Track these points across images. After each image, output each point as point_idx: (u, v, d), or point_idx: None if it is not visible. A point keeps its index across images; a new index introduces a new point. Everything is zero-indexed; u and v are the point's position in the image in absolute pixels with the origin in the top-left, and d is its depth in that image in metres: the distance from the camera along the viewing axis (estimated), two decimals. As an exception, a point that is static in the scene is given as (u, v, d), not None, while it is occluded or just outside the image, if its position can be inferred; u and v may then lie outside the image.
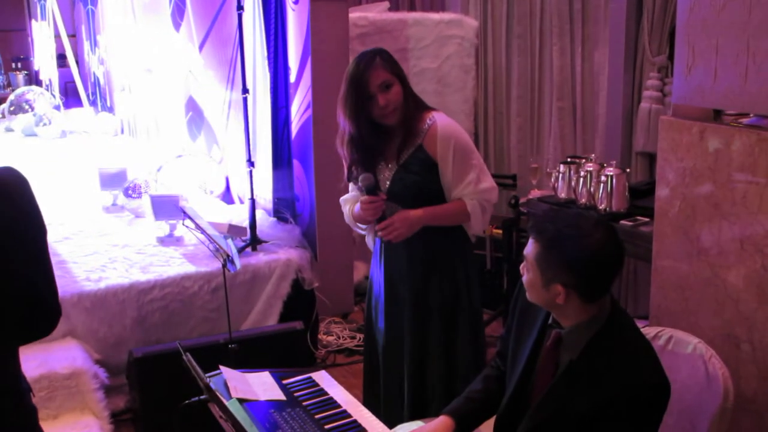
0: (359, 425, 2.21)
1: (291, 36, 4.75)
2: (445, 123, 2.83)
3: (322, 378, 2.48)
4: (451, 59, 5.63)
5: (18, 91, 8.49)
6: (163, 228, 4.64)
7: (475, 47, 5.73)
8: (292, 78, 4.79)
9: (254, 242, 4.46)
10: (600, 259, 1.87)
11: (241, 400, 2.22)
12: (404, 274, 2.97)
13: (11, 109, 8.26)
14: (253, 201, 4.49)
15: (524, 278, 1.99)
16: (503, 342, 2.26)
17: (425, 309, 2.97)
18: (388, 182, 2.87)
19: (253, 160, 4.58)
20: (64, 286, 3.87)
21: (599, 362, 1.90)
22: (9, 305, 1.85)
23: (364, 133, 2.81)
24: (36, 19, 9.21)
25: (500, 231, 4.88)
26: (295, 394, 2.37)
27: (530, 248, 1.94)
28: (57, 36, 8.71)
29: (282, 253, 4.44)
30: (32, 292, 1.90)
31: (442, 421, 2.16)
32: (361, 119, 2.79)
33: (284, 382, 2.44)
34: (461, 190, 2.84)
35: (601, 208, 3.90)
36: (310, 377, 2.48)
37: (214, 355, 2.67)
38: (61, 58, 8.91)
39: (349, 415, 2.25)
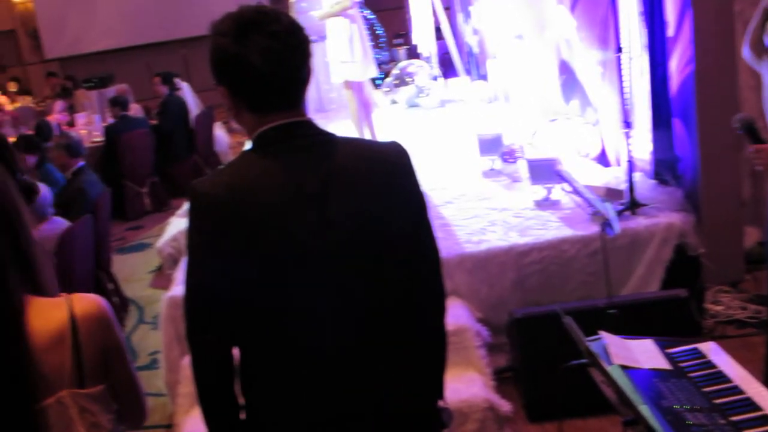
0: (753, 403, 2.03)
1: (668, -12, 4.50)
2: None
3: (710, 349, 2.33)
4: None
5: (400, 65, 9.12)
6: (539, 192, 4.70)
7: None
8: (670, 32, 4.54)
9: (633, 205, 4.33)
10: None
11: (622, 367, 2.17)
12: None
13: (395, 82, 8.90)
14: (630, 163, 4.37)
15: None
16: None
17: None
18: None
19: (629, 120, 4.45)
20: (447, 248, 4.11)
21: None
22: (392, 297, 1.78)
23: None
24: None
25: None
26: (680, 365, 2.25)
27: None
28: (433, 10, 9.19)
29: (663, 216, 4.26)
30: (416, 276, 1.82)
31: None
32: None
33: (668, 351, 2.33)
34: None
35: None
36: (696, 348, 2.34)
37: (592, 320, 2.64)
38: (437, 31, 9.38)
39: (742, 392, 2.08)
